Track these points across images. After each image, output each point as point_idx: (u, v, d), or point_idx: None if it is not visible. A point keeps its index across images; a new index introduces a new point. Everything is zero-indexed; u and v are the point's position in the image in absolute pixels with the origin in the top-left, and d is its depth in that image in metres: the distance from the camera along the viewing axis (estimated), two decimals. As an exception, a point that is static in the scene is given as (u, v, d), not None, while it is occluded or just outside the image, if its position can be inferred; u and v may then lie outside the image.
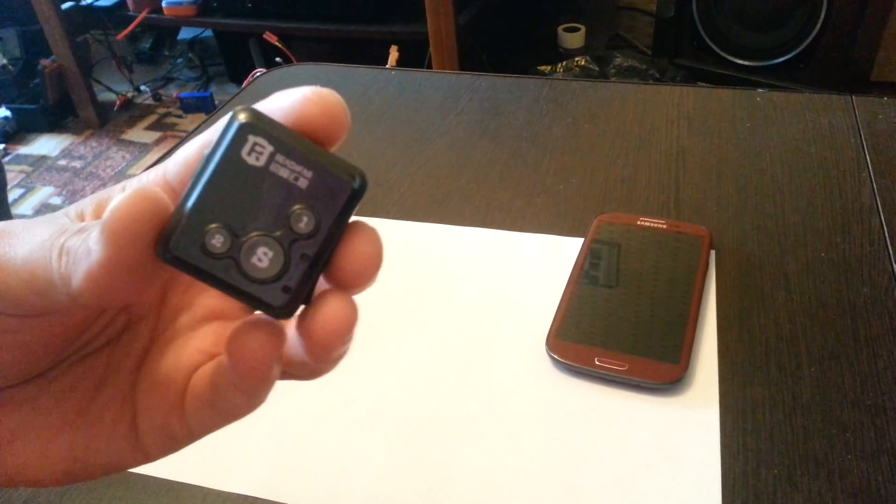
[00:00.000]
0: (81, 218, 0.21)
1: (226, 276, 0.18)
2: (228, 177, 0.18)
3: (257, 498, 0.40)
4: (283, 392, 0.46)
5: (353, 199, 0.19)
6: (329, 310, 0.19)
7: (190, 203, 0.18)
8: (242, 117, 0.18)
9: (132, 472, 0.42)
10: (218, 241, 0.18)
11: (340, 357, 0.21)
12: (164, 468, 0.42)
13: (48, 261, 0.18)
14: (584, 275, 0.52)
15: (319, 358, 0.20)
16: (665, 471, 0.40)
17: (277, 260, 0.19)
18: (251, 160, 0.18)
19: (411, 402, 0.45)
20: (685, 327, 0.47)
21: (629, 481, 0.40)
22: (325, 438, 0.43)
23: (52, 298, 0.18)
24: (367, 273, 0.19)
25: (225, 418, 0.22)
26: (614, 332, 0.47)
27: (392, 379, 0.47)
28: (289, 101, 0.19)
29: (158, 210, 0.18)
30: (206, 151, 0.18)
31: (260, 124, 0.18)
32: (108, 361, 0.23)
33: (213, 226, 0.18)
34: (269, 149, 0.18)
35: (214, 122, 0.21)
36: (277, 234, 0.19)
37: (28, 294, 0.18)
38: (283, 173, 0.18)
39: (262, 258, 0.19)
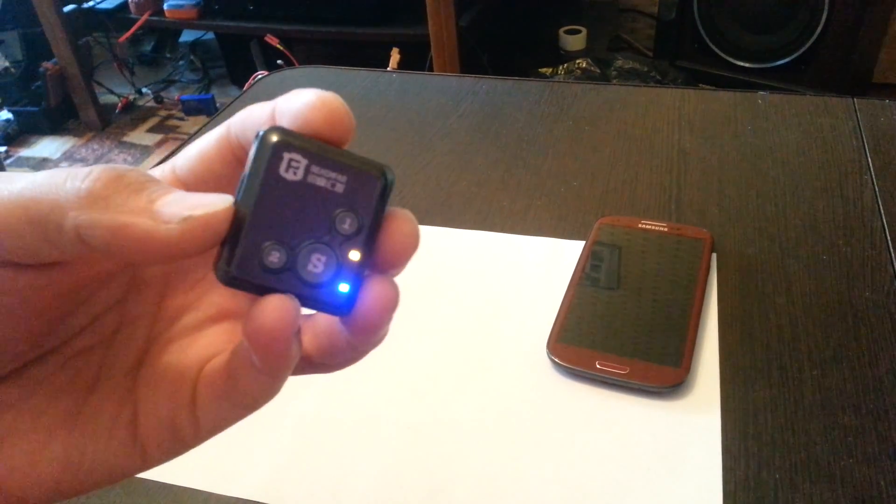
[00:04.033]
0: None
1: (288, 287, 0.20)
2: (273, 195, 0.19)
3: (259, 502, 0.40)
4: (285, 396, 0.46)
5: (386, 192, 0.20)
6: (376, 291, 0.20)
7: (244, 226, 0.19)
8: (275, 137, 0.19)
9: (133, 477, 0.42)
10: (275, 257, 0.20)
11: (382, 339, 0.23)
12: (166, 472, 0.42)
13: (56, 187, 0.18)
14: (586, 278, 0.52)
15: (367, 340, 0.21)
16: (666, 475, 0.40)
17: (331, 263, 0.20)
18: (290, 176, 0.19)
19: (412, 406, 0.45)
20: (686, 331, 0.47)
21: (630, 485, 0.39)
22: (326, 442, 0.43)
23: (52, 224, 0.17)
24: (408, 251, 0.21)
25: (240, 408, 0.22)
26: (615, 336, 0.47)
27: (393, 382, 0.47)
28: (295, 106, 0.20)
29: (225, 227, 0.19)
30: (244, 174, 0.20)
31: (292, 140, 0.19)
32: (101, 362, 0.23)
33: (268, 243, 0.20)
34: (304, 162, 0.19)
35: (216, 124, 0.21)
36: (326, 239, 0.20)
37: (24, 224, 0.18)
38: (321, 182, 0.20)
39: (317, 264, 0.20)
